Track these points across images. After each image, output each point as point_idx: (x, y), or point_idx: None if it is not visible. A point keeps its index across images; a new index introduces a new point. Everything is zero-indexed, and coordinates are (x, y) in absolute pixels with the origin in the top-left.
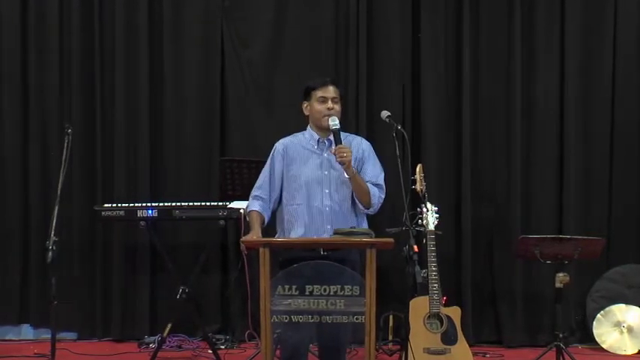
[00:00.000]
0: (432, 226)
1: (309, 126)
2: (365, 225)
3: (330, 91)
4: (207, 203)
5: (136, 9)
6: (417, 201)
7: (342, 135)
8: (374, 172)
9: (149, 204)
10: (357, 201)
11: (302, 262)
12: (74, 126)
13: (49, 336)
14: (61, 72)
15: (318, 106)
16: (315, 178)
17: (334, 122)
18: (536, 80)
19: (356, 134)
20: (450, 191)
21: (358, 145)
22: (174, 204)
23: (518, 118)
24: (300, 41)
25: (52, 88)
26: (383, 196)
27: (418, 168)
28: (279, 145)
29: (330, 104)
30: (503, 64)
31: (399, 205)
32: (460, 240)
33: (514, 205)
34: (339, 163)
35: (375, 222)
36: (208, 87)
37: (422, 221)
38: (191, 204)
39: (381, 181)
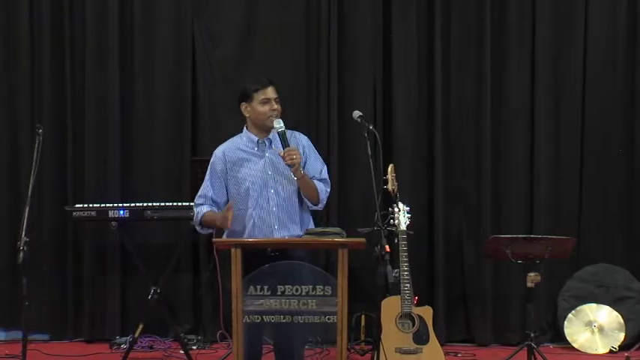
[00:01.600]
0: (403, 226)
1: (245, 128)
2: (310, 220)
3: (272, 91)
4: (179, 203)
5: (106, 8)
6: (388, 201)
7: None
8: (317, 167)
9: (120, 204)
10: (305, 199)
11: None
12: (44, 126)
13: (20, 337)
14: (32, 72)
15: (261, 108)
16: (260, 179)
17: (279, 125)
18: (507, 80)
19: (294, 130)
20: (422, 191)
21: (298, 142)
22: (145, 204)
23: (489, 117)
24: (270, 40)
25: (23, 89)
26: (329, 190)
27: (390, 168)
28: (218, 152)
29: (274, 105)
30: (475, 65)
31: (371, 205)
32: (432, 240)
33: (485, 204)
34: (289, 165)
35: (347, 222)
36: (179, 86)
37: (393, 221)
38: (162, 204)
39: (325, 175)
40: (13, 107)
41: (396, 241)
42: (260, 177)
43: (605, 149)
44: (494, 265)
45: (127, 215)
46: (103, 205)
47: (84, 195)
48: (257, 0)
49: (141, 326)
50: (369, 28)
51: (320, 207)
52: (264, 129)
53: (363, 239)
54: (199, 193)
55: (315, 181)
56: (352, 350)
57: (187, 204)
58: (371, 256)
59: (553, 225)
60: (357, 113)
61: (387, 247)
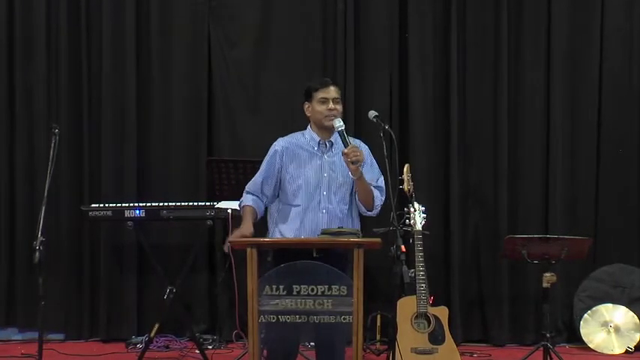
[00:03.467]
0: (419, 226)
1: (309, 126)
2: (358, 224)
3: (332, 91)
4: (195, 203)
5: (123, 9)
6: (404, 201)
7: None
8: (373, 174)
9: (137, 204)
10: (359, 203)
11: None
12: (61, 126)
13: (36, 336)
14: (49, 72)
15: (320, 107)
16: (314, 180)
17: (339, 124)
18: (524, 80)
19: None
20: (438, 191)
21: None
22: (161, 204)
23: (505, 117)
24: (287, 41)
25: (40, 89)
26: (383, 198)
27: (405, 168)
28: (279, 145)
29: (332, 105)
30: (491, 64)
31: (387, 205)
32: (448, 240)
33: (501, 204)
34: (353, 162)
35: (363, 222)
36: (195, 87)
37: (409, 221)
38: (178, 204)
39: (381, 183)
40: (30, 108)
41: (411, 241)
42: (314, 177)
43: (621, 149)
44: (510, 266)
45: (143, 215)
46: (119, 204)
47: (100, 195)
48: (272, 1)
49: (157, 326)
50: (385, 28)
51: (373, 214)
52: (324, 129)
53: (378, 239)
54: (253, 179)
55: (371, 187)
56: (368, 350)
57: (203, 204)
58: (387, 256)
59: (569, 225)
60: (372, 113)
61: (402, 247)
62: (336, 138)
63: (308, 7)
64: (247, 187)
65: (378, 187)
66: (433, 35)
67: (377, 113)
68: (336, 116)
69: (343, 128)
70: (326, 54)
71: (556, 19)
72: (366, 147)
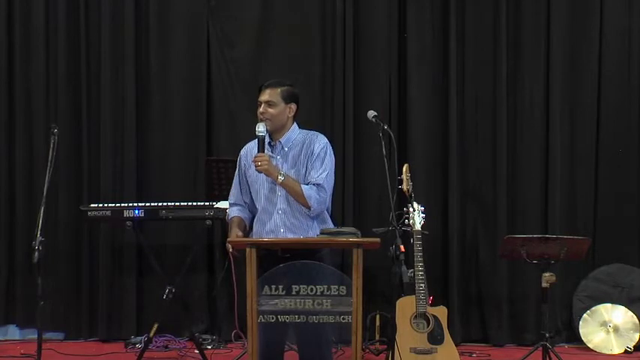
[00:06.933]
0: (418, 226)
1: None
2: (323, 225)
3: (262, 94)
4: (194, 203)
5: (122, 9)
6: (403, 201)
7: (303, 133)
8: (317, 172)
9: (135, 204)
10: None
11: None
12: (60, 126)
13: (36, 336)
14: (47, 72)
15: (257, 111)
16: (268, 182)
17: (259, 129)
18: (523, 80)
19: (318, 132)
20: (437, 191)
21: (309, 145)
22: (160, 204)
23: (504, 116)
24: (285, 40)
25: (38, 89)
26: (325, 196)
27: (404, 168)
28: (242, 150)
29: (262, 108)
30: (490, 64)
31: (386, 205)
32: (447, 239)
33: (500, 204)
34: (257, 172)
35: (362, 222)
36: (194, 87)
37: (408, 221)
38: (177, 204)
39: (321, 180)
40: (29, 108)
41: (411, 240)
42: (268, 179)
43: (620, 149)
44: (509, 265)
45: (142, 215)
46: (117, 204)
47: (99, 195)
48: (272, 1)
49: (156, 326)
50: (384, 28)
51: (312, 213)
52: (271, 131)
53: (377, 239)
54: (231, 190)
55: (308, 187)
56: (367, 350)
57: (202, 204)
58: (386, 255)
59: (568, 225)
60: (371, 113)
61: (401, 246)
62: (288, 137)
63: (308, 7)
64: (229, 199)
65: (316, 185)
66: (432, 35)
67: (376, 113)
68: (262, 120)
69: (263, 135)
70: (325, 54)
71: (555, 20)
72: (324, 144)
